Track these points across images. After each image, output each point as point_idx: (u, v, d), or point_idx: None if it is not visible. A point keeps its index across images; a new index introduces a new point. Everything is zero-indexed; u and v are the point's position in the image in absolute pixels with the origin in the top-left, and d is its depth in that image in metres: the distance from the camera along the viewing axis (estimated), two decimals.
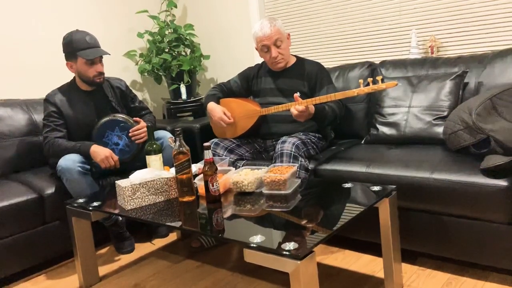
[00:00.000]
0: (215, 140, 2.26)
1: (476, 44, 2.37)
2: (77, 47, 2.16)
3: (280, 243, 1.24)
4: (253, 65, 2.46)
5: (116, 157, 2.16)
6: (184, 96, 3.21)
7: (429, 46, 2.45)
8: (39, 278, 2.10)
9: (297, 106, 1.90)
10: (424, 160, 1.80)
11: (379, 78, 1.79)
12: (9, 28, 2.72)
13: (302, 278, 1.17)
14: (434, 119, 2.04)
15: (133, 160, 2.27)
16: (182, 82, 3.20)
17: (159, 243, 2.35)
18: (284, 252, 1.19)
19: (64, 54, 2.23)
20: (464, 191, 1.61)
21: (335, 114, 2.13)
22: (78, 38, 2.17)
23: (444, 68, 2.18)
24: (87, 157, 2.13)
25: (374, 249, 1.98)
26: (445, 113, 2.02)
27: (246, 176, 1.73)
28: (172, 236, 2.41)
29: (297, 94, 1.94)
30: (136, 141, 2.25)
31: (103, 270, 2.10)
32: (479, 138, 1.70)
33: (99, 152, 2.12)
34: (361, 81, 1.88)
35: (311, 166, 2.04)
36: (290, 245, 1.21)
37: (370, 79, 1.80)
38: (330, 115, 2.10)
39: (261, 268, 1.91)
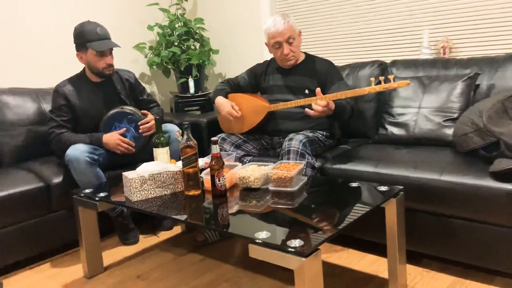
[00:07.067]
0: (222, 135, 2.26)
1: (489, 46, 2.34)
2: (87, 38, 2.17)
3: (285, 240, 1.23)
4: (262, 62, 2.45)
5: (126, 140, 2.18)
6: (192, 90, 3.21)
7: (441, 47, 2.43)
8: (44, 267, 2.11)
9: (320, 102, 1.86)
10: (433, 162, 1.79)
11: (391, 77, 1.78)
12: (20, 18, 2.73)
13: (306, 276, 1.17)
14: (444, 121, 2.02)
15: (140, 152, 2.28)
16: (190, 76, 3.19)
17: (163, 235, 2.36)
18: (289, 249, 1.19)
19: (74, 44, 2.23)
20: (473, 194, 1.60)
21: (352, 107, 2.11)
22: (89, 29, 2.18)
23: (456, 70, 2.16)
24: (99, 148, 2.15)
25: (378, 249, 1.97)
26: (456, 115, 2.00)
27: (253, 172, 1.73)
28: (177, 229, 2.41)
29: (319, 89, 1.89)
30: (144, 134, 2.26)
31: (107, 260, 2.11)
32: (489, 141, 1.68)
33: (110, 140, 2.15)
34: (372, 79, 1.87)
35: (318, 164, 2.04)
36: (296, 242, 1.21)
37: (381, 78, 1.79)
38: (348, 109, 2.07)
39: (264, 264, 1.91)
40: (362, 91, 1.86)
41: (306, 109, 1.93)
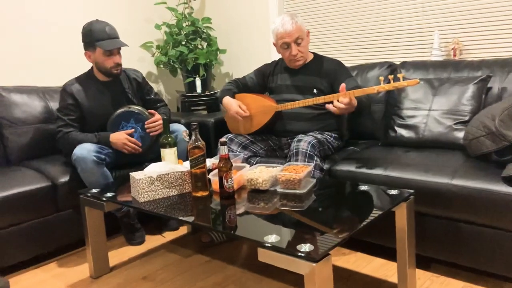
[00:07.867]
0: (229, 135, 2.24)
1: (500, 48, 2.31)
2: (96, 37, 2.16)
3: (295, 244, 1.22)
4: (269, 62, 2.43)
5: (133, 139, 2.17)
6: (199, 89, 3.20)
7: (452, 49, 2.40)
8: (50, 266, 2.11)
9: (342, 99, 1.79)
10: (444, 165, 1.76)
11: (400, 75, 1.75)
12: (28, 17, 2.72)
13: (317, 281, 1.15)
14: (454, 124, 1.99)
15: (147, 152, 2.27)
16: (197, 76, 3.18)
17: (169, 236, 2.35)
18: (300, 254, 1.17)
19: (83, 43, 2.22)
20: (484, 198, 1.57)
21: (370, 103, 2.08)
22: (98, 28, 2.17)
23: (467, 72, 2.13)
24: (106, 147, 2.14)
25: (387, 253, 1.95)
26: (467, 118, 1.97)
27: (261, 173, 1.71)
28: (183, 230, 2.40)
29: (343, 85, 1.83)
30: (151, 134, 2.25)
31: (113, 260, 2.10)
32: (502, 145, 1.66)
33: (117, 139, 2.14)
34: (381, 78, 1.84)
35: (326, 166, 2.02)
36: (306, 247, 1.19)
37: (391, 76, 1.76)
38: (367, 104, 2.04)
39: (270, 266, 1.89)
40: (371, 89, 1.83)
41: (327, 105, 1.84)
